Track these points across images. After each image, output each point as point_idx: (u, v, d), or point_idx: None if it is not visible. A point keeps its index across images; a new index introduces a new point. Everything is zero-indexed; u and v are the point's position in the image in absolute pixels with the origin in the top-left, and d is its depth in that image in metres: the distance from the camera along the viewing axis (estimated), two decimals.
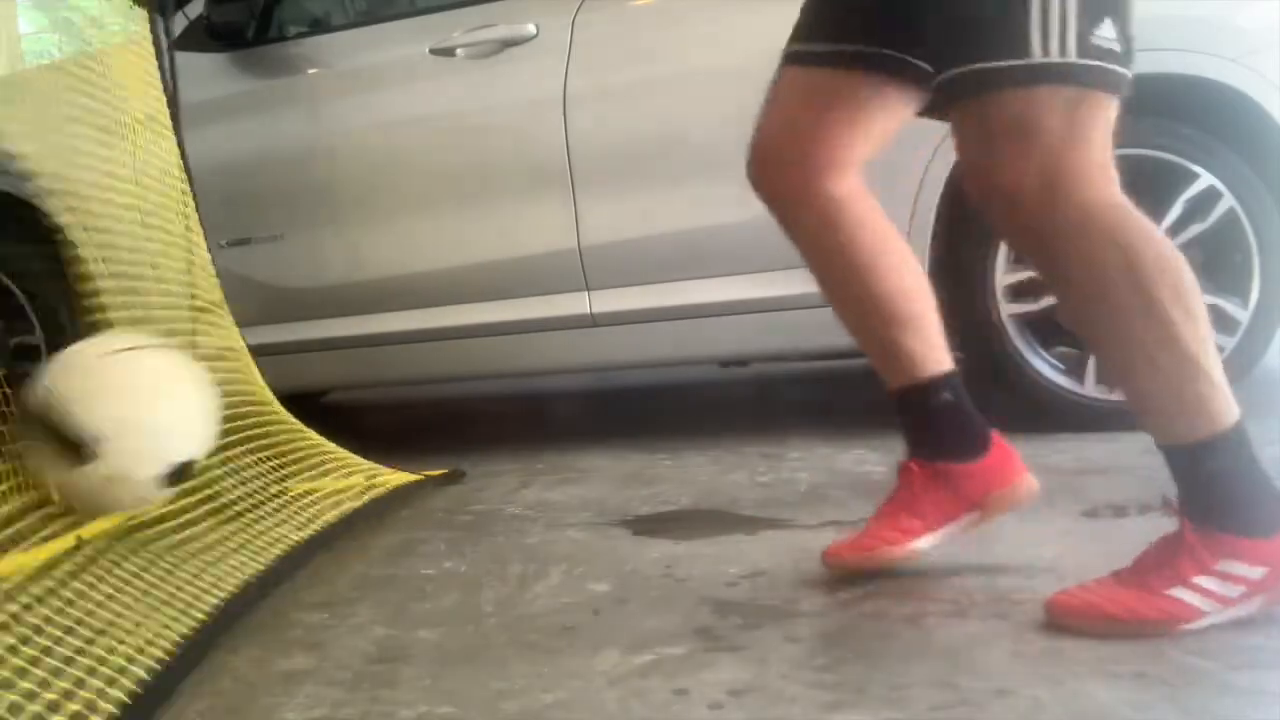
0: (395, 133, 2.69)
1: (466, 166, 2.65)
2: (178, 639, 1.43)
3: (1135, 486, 1.97)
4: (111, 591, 1.57)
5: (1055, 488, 1.98)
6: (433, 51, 2.64)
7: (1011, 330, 2.42)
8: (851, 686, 1.23)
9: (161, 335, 2.31)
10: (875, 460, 2.30)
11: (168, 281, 2.34)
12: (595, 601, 1.59)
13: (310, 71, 2.79)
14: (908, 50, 1.47)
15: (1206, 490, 1.31)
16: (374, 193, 2.70)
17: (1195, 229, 2.34)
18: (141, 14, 2.39)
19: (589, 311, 2.61)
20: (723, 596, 1.56)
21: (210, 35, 2.75)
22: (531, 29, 2.59)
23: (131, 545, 1.80)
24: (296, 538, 1.95)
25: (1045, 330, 2.48)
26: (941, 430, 1.58)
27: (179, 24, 2.77)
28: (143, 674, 1.31)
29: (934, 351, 1.57)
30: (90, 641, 1.38)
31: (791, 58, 1.55)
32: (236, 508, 2.08)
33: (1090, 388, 2.40)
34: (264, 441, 2.38)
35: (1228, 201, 2.32)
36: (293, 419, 2.52)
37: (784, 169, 1.55)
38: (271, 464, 2.30)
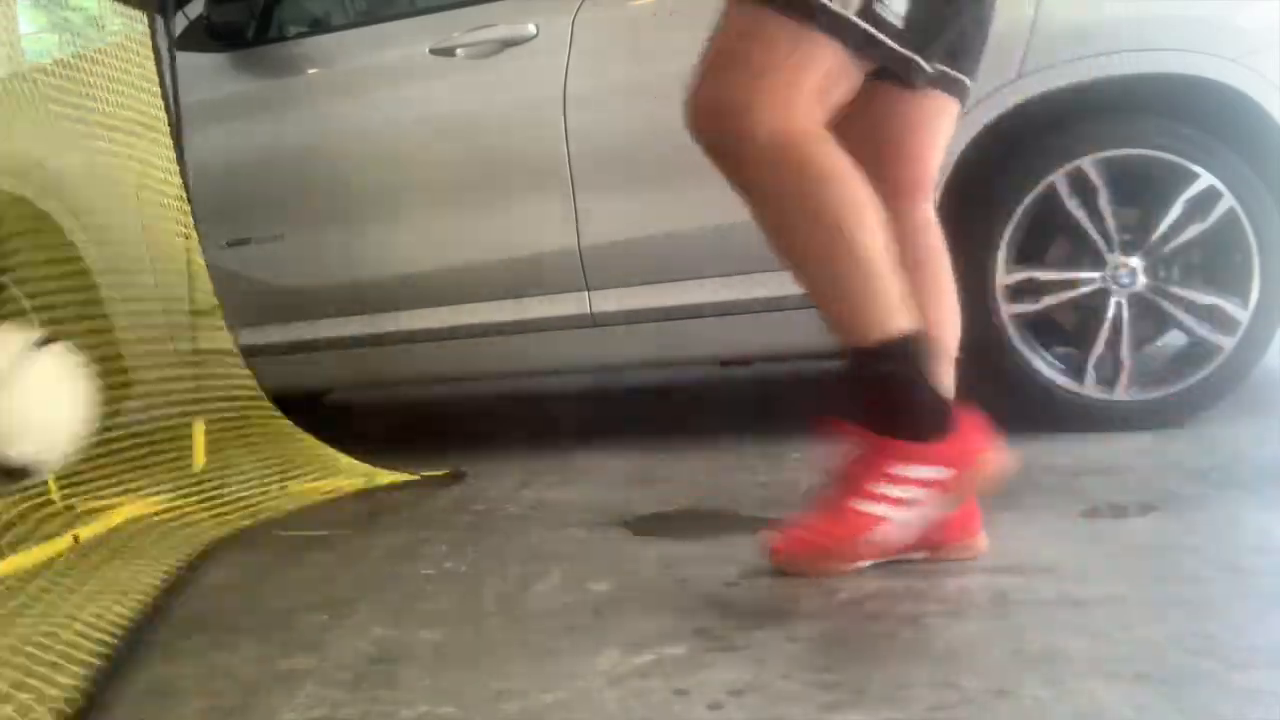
0: (395, 133, 2.69)
1: (466, 166, 2.65)
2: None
3: (1135, 486, 1.97)
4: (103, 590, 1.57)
5: (1055, 488, 1.98)
6: (433, 51, 2.64)
7: (1011, 330, 2.42)
8: (851, 686, 1.22)
9: (158, 337, 2.31)
10: None
11: (165, 283, 2.34)
12: (595, 601, 1.59)
13: (310, 71, 2.79)
14: None
15: (881, 395, 1.42)
16: (374, 193, 2.70)
17: (1195, 229, 2.34)
18: (142, 15, 2.39)
19: (589, 311, 2.61)
20: (723, 596, 1.56)
21: (210, 35, 2.75)
22: (531, 29, 2.59)
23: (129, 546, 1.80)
24: (294, 538, 1.95)
25: (1045, 330, 2.48)
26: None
27: (179, 24, 2.78)
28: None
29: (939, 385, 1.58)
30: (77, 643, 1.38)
31: None
32: (236, 508, 2.09)
33: (1090, 388, 2.41)
34: (263, 442, 2.38)
35: (1228, 201, 2.32)
36: (292, 420, 2.52)
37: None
38: (272, 465, 2.31)
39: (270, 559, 1.92)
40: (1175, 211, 2.34)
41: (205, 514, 2.03)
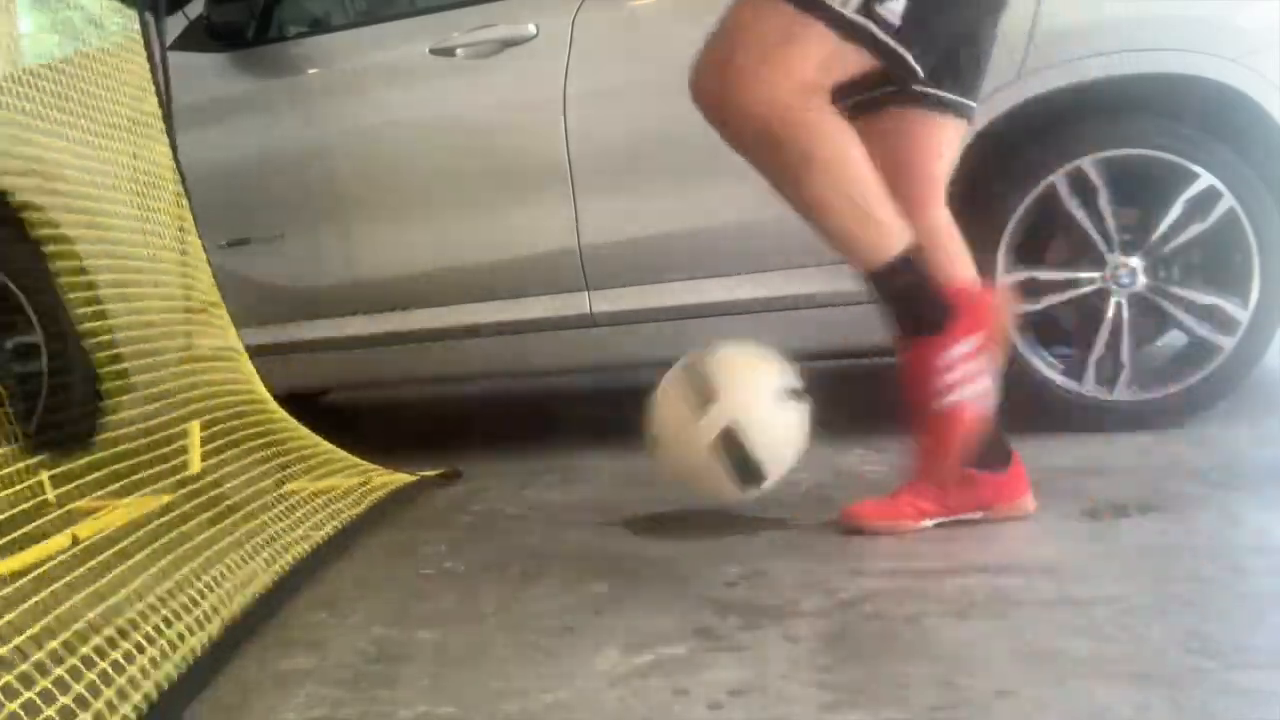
0: (395, 133, 2.69)
1: (466, 166, 2.64)
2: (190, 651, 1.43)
3: (1135, 486, 1.97)
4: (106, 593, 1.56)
5: (1055, 488, 1.98)
6: (433, 51, 2.64)
7: (1011, 330, 2.42)
8: (851, 686, 1.22)
9: (155, 335, 2.31)
10: (875, 460, 2.30)
11: (162, 283, 2.34)
12: (595, 601, 1.59)
13: (310, 71, 2.79)
14: None
15: (908, 303, 1.64)
16: (374, 193, 2.70)
17: (1195, 229, 2.34)
18: (134, 14, 2.39)
19: (589, 311, 2.61)
20: (723, 596, 1.56)
21: (210, 35, 2.75)
22: (531, 29, 2.58)
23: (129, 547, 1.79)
24: (294, 538, 1.95)
25: (1045, 330, 2.48)
26: (980, 443, 1.75)
27: (179, 24, 2.78)
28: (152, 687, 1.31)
29: None
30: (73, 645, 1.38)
31: None
32: (235, 508, 2.08)
33: (1090, 388, 2.40)
34: (262, 442, 2.38)
35: (1228, 201, 2.31)
36: (290, 419, 2.52)
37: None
38: (269, 464, 2.30)
39: (270, 559, 1.92)
40: (1175, 211, 2.34)
41: (204, 514, 2.03)
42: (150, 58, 2.41)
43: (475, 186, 2.63)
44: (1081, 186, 2.35)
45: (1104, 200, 2.34)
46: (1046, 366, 2.44)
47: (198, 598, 1.58)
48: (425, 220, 2.68)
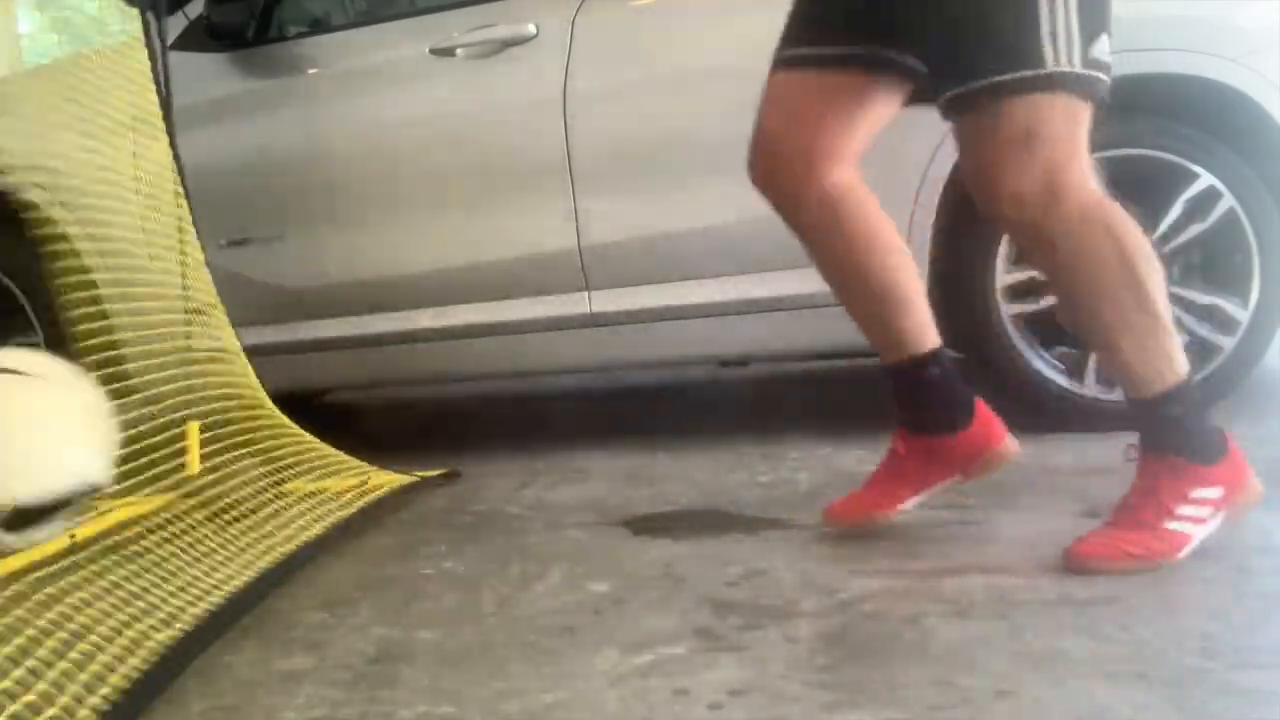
0: (395, 133, 2.68)
1: (466, 166, 2.64)
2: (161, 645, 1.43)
3: None
4: (100, 594, 1.56)
5: (1055, 488, 1.98)
6: (433, 51, 2.64)
7: (1011, 330, 2.42)
8: (851, 686, 1.23)
9: (154, 335, 2.31)
10: (875, 460, 2.28)
11: (162, 283, 2.34)
12: (595, 601, 1.59)
13: (310, 71, 2.79)
14: (903, 52, 1.59)
15: (1172, 432, 1.55)
16: (374, 193, 2.70)
17: (1195, 229, 2.34)
18: (136, 13, 2.39)
19: (589, 311, 2.61)
20: (723, 596, 1.56)
21: (210, 35, 2.75)
22: (531, 29, 2.58)
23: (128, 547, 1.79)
24: (294, 538, 1.95)
25: (1045, 330, 2.48)
26: (928, 405, 1.74)
27: (179, 24, 2.78)
28: (123, 681, 1.30)
29: (924, 330, 1.72)
30: (70, 644, 1.38)
31: (785, 62, 1.64)
32: (234, 509, 2.08)
33: (1090, 388, 2.40)
34: (260, 443, 2.38)
35: (1228, 201, 2.32)
36: (288, 420, 2.52)
37: (785, 161, 1.66)
38: (268, 465, 2.30)
39: (270, 559, 1.92)
40: (1175, 211, 2.34)
41: (202, 515, 2.03)
42: (150, 57, 2.41)
43: (475, 186, 2.63)
44: None
45: None
46: (1046, 366, 2.44)
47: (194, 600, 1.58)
48: (425, 220, 2.68)
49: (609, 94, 2.56)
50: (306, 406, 2.90)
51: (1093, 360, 2.39)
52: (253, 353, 2.58)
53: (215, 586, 1.65)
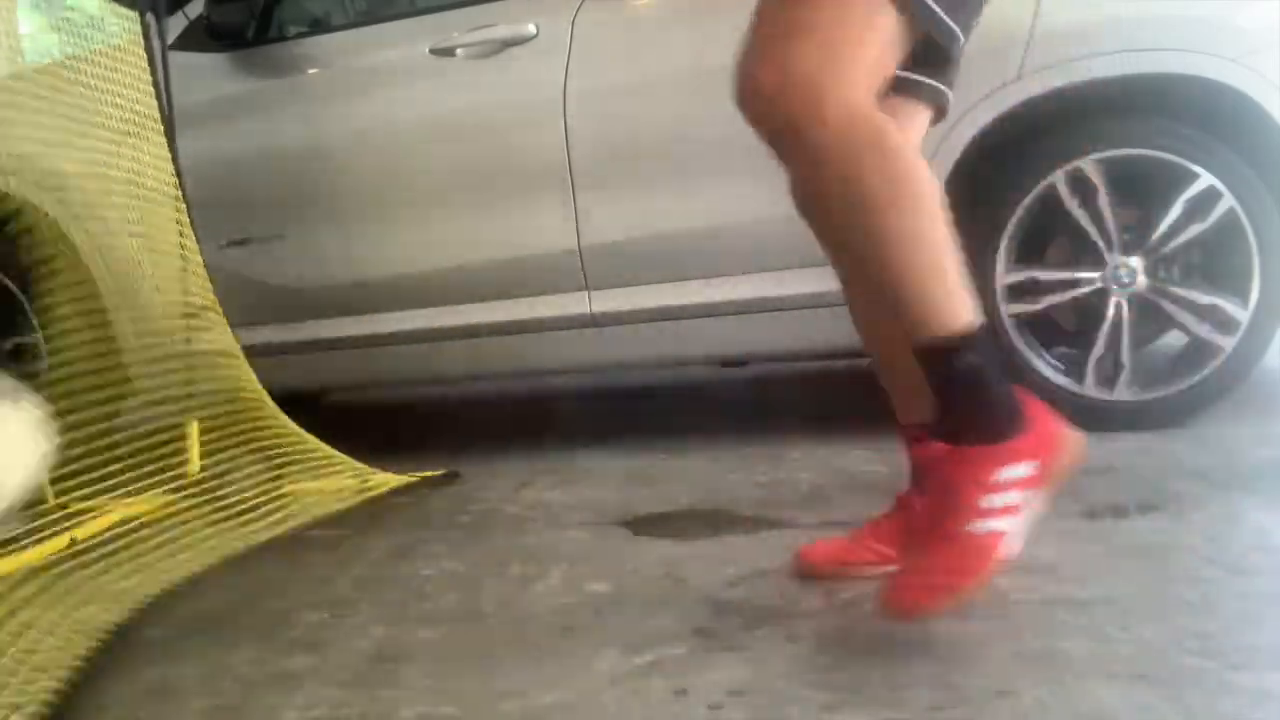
0: (395, 133, 2.68)
1: (466, 166, 2.64)
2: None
3: (1135, 486, 1.97)
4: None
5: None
6: (433, 51, 2.64)
7: (1011, 330, 2.42)
8: (851, 686, 1.22)
9: (154, 335, 2.31)
10: (875, 460, 2.30)
11: (162, 283, 2.34)
12: (595, 601, 1.59)
13: (310, 71, 2.79)
14: None
15: (961, 396, 1.31)
16: (374, 193, 2.70)
17: (1195, 229, 2.34)
18: (135, 15, 2.39)
19: (589, 311, 2.61)
20: (723, 596, 1.56)
21: (210, 35, 2.75)
22: (531, 29, 2.58)
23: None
24: (294, 538, 1.95)
25: (1045, 330, 2.48)
26: None
27: (179, 24, 2.78)
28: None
29: None
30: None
31: None
32: (233, 509, 2.08)
33: (1090, 388, 2.40)
34: (259, 443, 2.38)
35: (1228, 201, 2.31)
36: (288, 420, 2.52)
37: None
38: (267, 465, 2.30)
39: (270, 559, 1.92)
40: (1175, 211, 2.34)
41: (202, 515, 2.03)
42: (150, 58, 2.41)
43: (475, 186, 2.63)
44: (1081, 186, 2.35)
45: (1104, 200, 2.34)
46: (1047, 367, 2.44)
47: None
48: (425, 220, 2.68)
49: (609, 94, 2.56)
50: (307, 406, 2.90)
51: (1093, 360, 2.40)
52: (253, 353, 2.58)
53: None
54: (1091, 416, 2.39)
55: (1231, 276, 2.37)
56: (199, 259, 2.47)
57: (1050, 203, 2.37)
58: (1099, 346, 2.39)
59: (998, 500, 1.29)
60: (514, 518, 2.13)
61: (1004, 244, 2.39)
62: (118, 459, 2.12)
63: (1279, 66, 2.28)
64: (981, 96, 2.33)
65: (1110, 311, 2.38)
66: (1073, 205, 2.36)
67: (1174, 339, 2.57)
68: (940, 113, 1.59)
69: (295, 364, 2.78)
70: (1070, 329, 2.51)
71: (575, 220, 2.57)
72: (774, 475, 2.30)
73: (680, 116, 2.51)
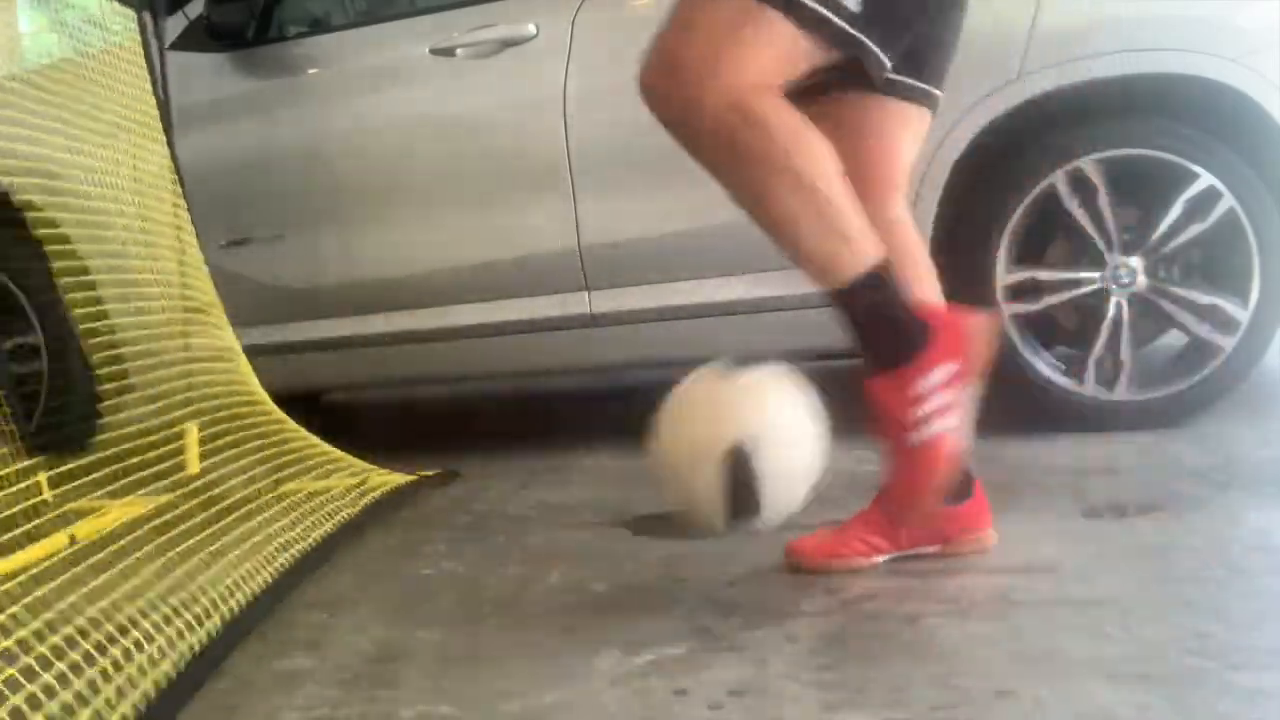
0: (395, 133, 2.68)
1: (466, 166, 2.64)
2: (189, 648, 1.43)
3: (1135, 486, 1.97)
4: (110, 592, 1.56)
5: (1055, 488, 1.98)
6: (433, 51, 2.64)
7: (1011, 330, 2.42)
8: (851, 686, 1.22)
9: (154, 335, 2.31)
10: (875, 460, 2.28)
11: (161, 283, 2.34)
12: (595, 601, 1.59)
13: (310, 71, 2.79)
14: None
15: (876, 325, 1.46)
16: (374, 193, 2.70)
17: (1195, 229, 2.34)
18: (133, 14, 2.39)
19: (589, 311, 2.61)
20: (723, 596, 1.56)
21: (210, 35, 2.75)
22: (531, 29, 2.58)
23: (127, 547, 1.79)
24: (293, 538, 1.95)
25: (1045, 330, 2.48)
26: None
27: (179, 24, 2.78)
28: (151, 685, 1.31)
29: None
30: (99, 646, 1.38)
31: None
32: (232, 509, 2.08)
33: (1090, 388, 2.40)
34: (259, 443, 2.38)
35: (1228, 201, 2.31)
36: (288, 419, 2.52)
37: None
38: (267, 465, 2.30)
39: (270, 559, 1.92)
40: (1175, 211, 2.34)
41: (202, 515, 2.03)
42: (149, 58, 2.41)
43: (475, 187, 2.63)
44: (1081, 186, 2.35)
45: (1104, 200, 2.34)
46: (1046, 366, 2.44)
47: (198, 595, 1.58)
48: (425, 220, 2.68)
49: (609, 94, 2.55)
50: (307, 406, 2.90)
51: (1093, 360, 2.40)
52: (253, 353, 2.58)
53: (213, 587, 1.65)
54: (1091, 416, 2.41)
55: (1231, 276, 2.37)
56: (199, 258, 2.47)
57: (1050, 203, 2.37)
58: (1099, 346, 2.39)
59: (928, 407, 1.44)
60: (514, 518, 2.13)
61: (1004, 244, 2.39)
62: (118, 459, 2.12)
63: (1279, 66, 2.28)
64: (981, 96, 2.33)
65: (1110, 311, 2.38)
66: (1073, 205, 2.36)
67: (1174, 339, 2.57)
68: (932, 107, 1.65)
69: (295, 364, 2.78)
70: (1070, 329, 2.51)
71: (575, 220, 2.57)
72: None
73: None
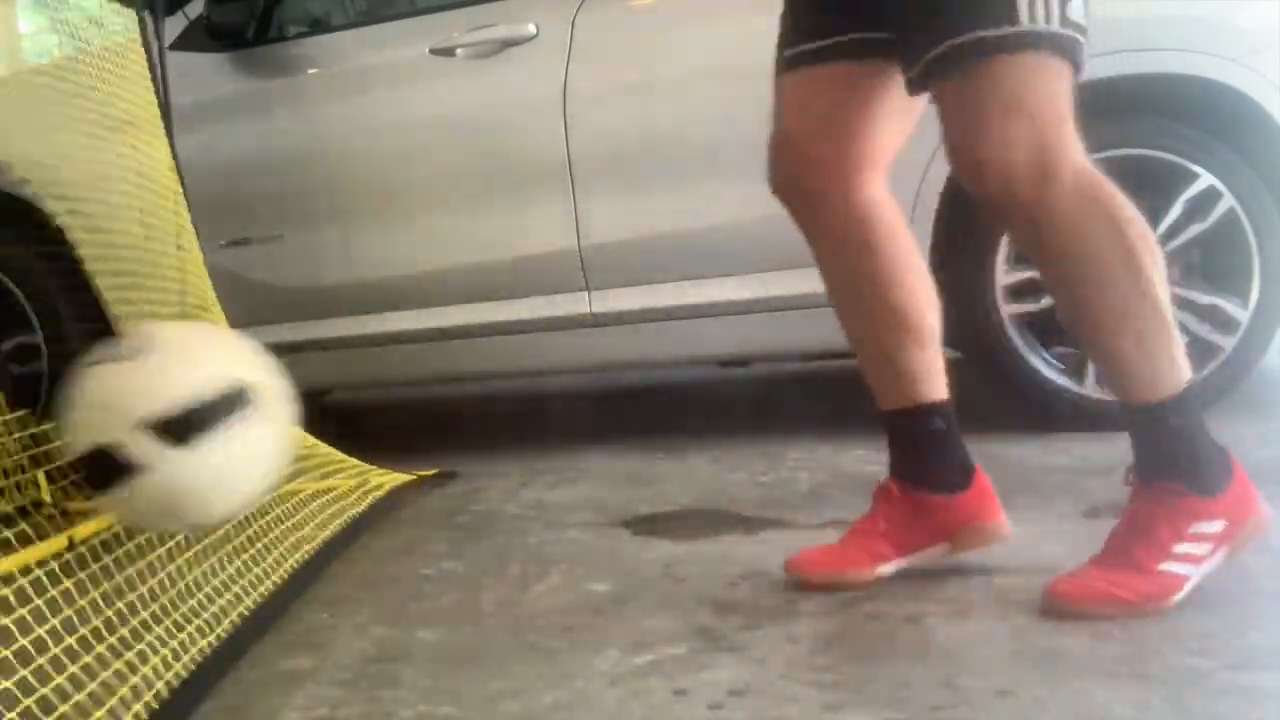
0: (395, 133, 2.68)
1: (466, 166, 2.64)
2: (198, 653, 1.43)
3: None
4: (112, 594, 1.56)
5: (1055, 488, 1.98)
6: (433, 51, 2.64)
7: (1011, 330, 2.42)
8: (851, 686, 1.23)
9: None
10: (876, 460, 2.29)
11: (161, 284, 2.34)
12: (595, 601, 1.59)
13: (310, 71, 2.79)
14: (881, 28, 1.44)
15: (1172, 452, 1.40)
16: (374, 193, 2.70)
17: (1195, 229, 2.34)
18: (133, 14, 2.39)
19: (589, 311, 2.61)
20: (723, 596, 1.56)
21: (210, 35, 2.75)
22: (531, 29, 2.58)
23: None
24: (294, 539, 1.95)
25: (1045, 330, 2.48)
26: (928, 459, 1.58)
27: (179, 24, 2.78)
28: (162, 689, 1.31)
29: (934, 376, 1.57)
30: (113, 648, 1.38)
31: (789, 61, 1.53)
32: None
33: (1090, 388, 2.40)
34: None
35: (1228, 201, 2.32)
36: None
37: (812, 169, 1.52)
38: None
39: (270, 559, 1.92)
40: (1175, 211, 2.34)
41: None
42: (149, 58, 2.41)
43: (475, 186, 2.63)
44: None
45: None
46: (1046, 366, 2.44)
47: (205, 601, 1.58)
48: (425, 220, 2.68)
49: (609, 94, 2.56)
50: (306, 406, 2.90)
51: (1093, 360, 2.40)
52: None
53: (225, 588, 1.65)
54: (1091, 416, 2.40)
55: (1231, 276, 2.37)
56: (199, 258, 2.47)
57: None
58: None
59: (1189, 548, 1.38)
60: (514, 518, 2.13)
61: (1004, 244, 2.39)
62: None
63: (1279, 66, 2.28)
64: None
65: None
66: None
67: None
68: None
69: (296, 364, 2.77)
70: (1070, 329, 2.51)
71: (575, 220, 2.57)
72: (774, 475, 2.30)
73: (680, 116, 2.51)
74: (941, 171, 2.34)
